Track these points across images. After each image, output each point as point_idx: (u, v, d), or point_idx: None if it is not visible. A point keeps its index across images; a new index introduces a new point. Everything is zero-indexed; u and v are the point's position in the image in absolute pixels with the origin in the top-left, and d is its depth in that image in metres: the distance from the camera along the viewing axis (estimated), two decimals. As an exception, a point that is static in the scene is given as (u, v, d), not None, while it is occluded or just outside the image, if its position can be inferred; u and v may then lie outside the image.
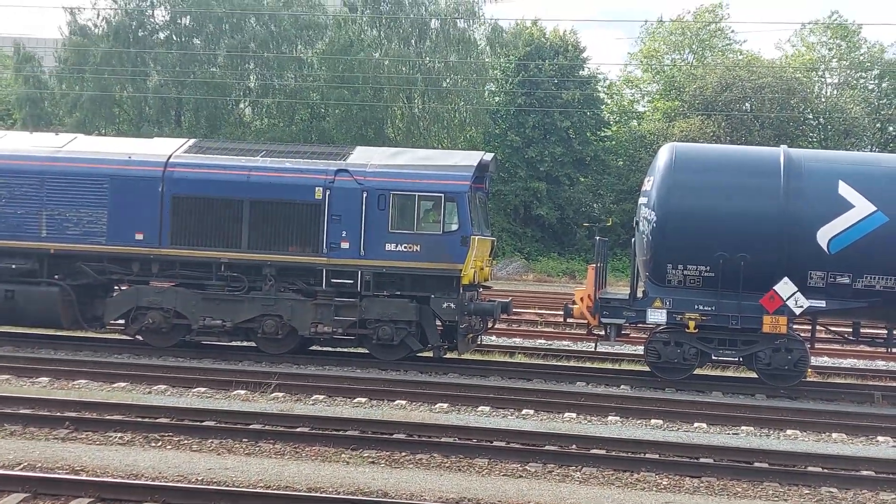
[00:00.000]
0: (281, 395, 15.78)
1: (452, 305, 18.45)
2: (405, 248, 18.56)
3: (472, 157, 19.69)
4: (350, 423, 13.49)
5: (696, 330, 18.02)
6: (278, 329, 18.94)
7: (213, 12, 48.09)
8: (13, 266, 19.28)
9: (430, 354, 19.49)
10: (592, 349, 20.98)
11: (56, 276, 19.49)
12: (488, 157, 19.73)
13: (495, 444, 12.76)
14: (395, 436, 12.93)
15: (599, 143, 53.45)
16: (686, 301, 18.00)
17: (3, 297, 19.19)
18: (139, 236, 19.09)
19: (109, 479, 10.47)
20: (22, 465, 10.91)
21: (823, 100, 53.32)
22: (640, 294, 18.55)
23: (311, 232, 18.79)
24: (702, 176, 18.26)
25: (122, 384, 16.26)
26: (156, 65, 48.61)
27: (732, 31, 59.17)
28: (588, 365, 20.38)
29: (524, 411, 15.34)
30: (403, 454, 12.17)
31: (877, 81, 55.05)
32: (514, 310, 22.81)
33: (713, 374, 19.98)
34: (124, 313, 19.43)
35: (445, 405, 15.50)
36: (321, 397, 15.80)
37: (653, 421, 15.04)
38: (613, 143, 54.32)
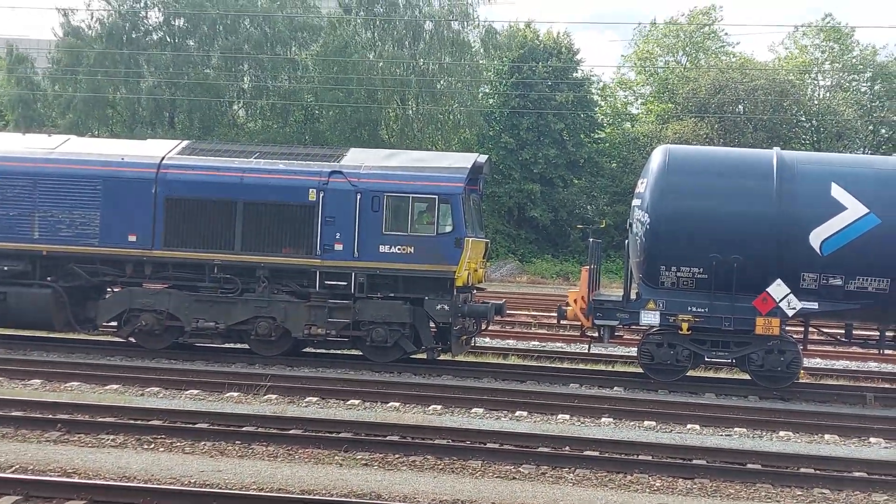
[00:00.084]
0: (274, 397, 15.76)
1: (446, 307, 18.45)
2: (399, 249, 18.55)
3: (465, 159, 19.70)
4: (343, 425, 13.48)
5: (689, 331, 18.04)
6: (271, 331, 18.92)
7: (207, 13, 48.06)
8: (5, 268, 19.23)
9: (423, 356, 19.49)
10: (586, 351, 21.02)
11: (48, 278, 19.47)
12: (482, 158, 19.74)
13: (489, 445, 12.75)
14: (388, 438, 12.92)
15: (593, 145, 53.53)
16: (679, 303, 18.02)
17: (-4, 299, 19.17)
18: (132, 238, 19.06)
19: (102, 482, 10.46)
20: (14, 468, 10.88)
21: (816, 102, 53.42)
22: (633, 296, 18.57)
23: (304, 233, 18.77)
24: (695, 178, 18.29)
25: (115, 386, 16.24)
26: (149, 66, 48.56)
27: (726, 34, 59.34)
28: (581, 367, 20.39)
29: (518, 413, 15.34)
30: (397, 456, 12.17)
31: (869, 84, 55.16)
32: (508, 311, 22.79)
33: (706, 375, 20.00)
34: (117, 315, 19.40)
35: (439, 407, 15.50)
36: (314, 399, 15.78)
37: (646, 422, 15.05)
38: (607, 145, 54.39)
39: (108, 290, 19.93)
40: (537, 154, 50.45)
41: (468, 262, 18.68)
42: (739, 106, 50.17)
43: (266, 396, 15.72)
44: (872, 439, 14.64)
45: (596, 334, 18.86)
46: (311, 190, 18.75)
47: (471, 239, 18.77)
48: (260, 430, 13.06)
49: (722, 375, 20.21)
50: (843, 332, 19.25)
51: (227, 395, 15.84)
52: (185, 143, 20.54)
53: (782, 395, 17.87)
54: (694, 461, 12.47)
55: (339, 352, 19.79)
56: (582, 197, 51.67)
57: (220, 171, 19.06)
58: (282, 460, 11.91)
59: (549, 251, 50.83)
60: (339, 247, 18.64)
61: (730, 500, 11.23)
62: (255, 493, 10.34)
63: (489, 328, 21.46)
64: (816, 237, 17.60)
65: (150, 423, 13.21)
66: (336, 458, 12.02)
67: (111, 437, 12.54)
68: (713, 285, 17.81)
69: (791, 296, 17.62)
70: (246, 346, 19.54)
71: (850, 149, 50.54)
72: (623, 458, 12.41)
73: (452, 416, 14.98)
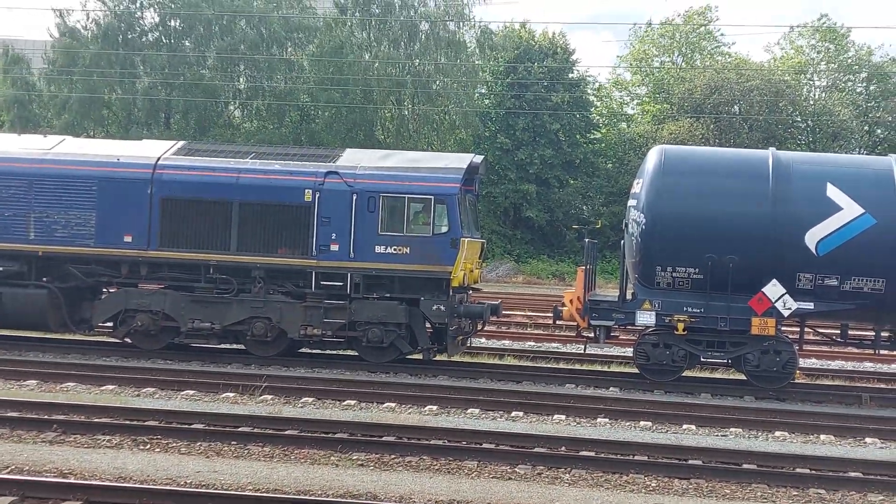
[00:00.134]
0: (270, 397, 15.75)
1: (442, 308, 18.45)
2: (395, 250, 18.55)
3: (461, 160, 19.70)
4: (339, 425, 13.48)
5: (685, 332, 18.06)
6: (267, 331, 18.92)
7: (203, 14, 48.02)
8: (1, 268, 19.20)
9: (419, 357, 19.49)
10: (582, 351, 21.01)
11: (44, 279, 19.45)
12: (478, 159, 19.74)
13: (485, 446, 12.76)
14: (384, 438, 12.93)
15: (589, 145, 53.56)
16: (675, 303, 18.03)
17: (-9, 300, 19.15)
18: (128, 238, 19.04)
19: (98, 482, 10.45)
20: (10, 468, 10.87)
21: (812, 102, 53.50)
22: (629, 296, 18.58)
23: (300, 234, 18.76)
24: (691, 178, 18.31)
25: (111, 387, 16.23)
26: (145, 67, 48.52)
27: (721, 34, 59.41)
28: (577, 367, 20.40)
29: (514, 413, 15.35)
30: (393, 456, 12.17)
31: (865, 84, 55.24)
32: (504, 312, 22.83)
33: (702, 375, 20.02)
34: (113, 316, 19.38)
35: (435, 407, 15.50)
36: (310, 400, 15.78)
37: (642, 423, 15.06)
38: (603, 145, 54.43)
39: (104, 290, 19.91)
40: (533, 154, 50.48)
41: (464, 262, 18.67)
42: (735, 106, 50.24)
43: (262, 397, 15.71)
44: (868, 439, 14.66)
45: (592, 335, 18.88)
46: (306, 190, 18.75)
47: (467, 239, 18.76)
48: (256, 430, 13.05)
49: (718, 376, 20.22)
50: (839, 332, 19.28)
51: (223, 395, 15.83)
52: (181, 143, 20.52)
53: (778, 396, 17.89)
54: (690, 461, 12.48)
55: (335, 352, 19.78)
56: (578, 197, 51.71)
57: (215, 172, 19.05)
58: (278, 461, 11.90)
59: (545, 251, 50.86)
60: (334, 247, 18.63)
61: (725, 501, 11.24)
62: (251, 493, 10.33)
63: (485, 328, 21.47)
64: (812, 237, 17.63)
65: (145, 423, 13.20)
66: (332, 458, 12.02)
67: (107, 437, 12.54)
68: (709, 285, 17.83)
69: (787, 296, 17.65)
70: (242, 347, 19.53)
71: (845, 149, 50.58)
72: (619, 459, 12.42)
73: (448, 417, 14.98)
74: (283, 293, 18.94)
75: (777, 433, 14.81)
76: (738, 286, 17.66)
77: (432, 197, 18.54)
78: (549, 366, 20.28)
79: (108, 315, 19.42)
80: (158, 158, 19.31)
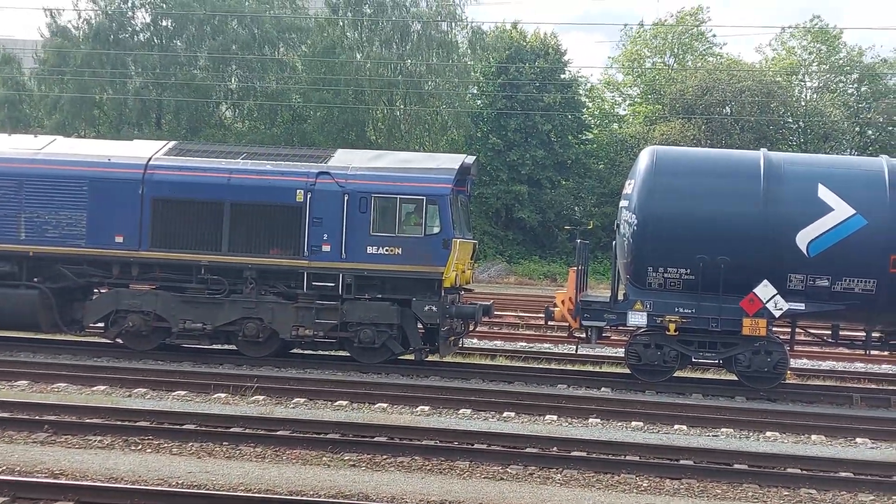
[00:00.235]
0: (261, 398, 15.74)
1: (434, 308, 18.45)
2: (386, 250, 18.54)
3: (453, 160, 19.70)
4: (331, 426, 13.47)
5: (677, 332, 18.08)
6: (259, 332, 18.90)
7: (195, 14, 47.96)
8: (-9, 269, 19.18)
9: (411, 357, 19.48)
10: (573, 352, 21.03)
11: (35, 279, 19.40)
12: (470, 159, 19.74)
13: (476, 446, 12.76)
14: (376, 439, 12.92)
15: (581, 146, 53.59)
16: (666, 304, 18.06)
17: (-18, 300, 19.09)
18: (119, 239, 19.01)
19: (89, 483, 10.44)
20: (1, 469, 10.85)
21: (803, 103, 53.60)
22: (620, 297, 18.61)
23: (292, 234, 18.75)
24: (682, 179, 18.34)
25: (102, 387, 16.19)
26: (136, 67, 48.47)
27: (713, 35, 59.48)
28: (569, 367, 20.42)
29: (505, 414, 15.36)
30: (385, 457, 12.17)
31: (856, 85, 55.35)
32: (496, 312, 22.81)
33: (693, 376, 20.05)
34: (104, 316, 19.34)
35: (427, 408, 15.50)
36: (302, 400, 15.76)
37: (633, 423, 15.08)
38: (594, 146, 54.47)
39: (95, 291, 19.86)
40: (525, 155, 50.48)
41: (456, 263, 18.68)
42: (726, 107, 50.32)
43: (254, 397, 15.70)
44: (859, 439, 14.70)
45: (583, 335, 18.90)
46: (298, 191, 18.73)
47: (458, 240, 18.77)
48: (247, 431, 13.04)
49: (709, 376, 20.26)
50: (830, 332, 19.32)
51: (215, 396, 15.81)
52: (172, 143, 20.49)
53: (769, 396, 17.92)
54: (681, 462, 12.50)
55: (326, 353, 19.75)
56: (569, 198, 51.73)
57: (207, 172, 19.02)
58: (269, 461, 11.89)
59: (537, 252, 50.88)
60: (326, 248, 18.62)
61: (717, 501, 11.26)
62: (242, 493, 10.33)
63: (477, 329, 21.47)
64: (803, 238, 17.67)
65: (137, 424, 13.18)
66: (323, 459, 12.01)
67: (98, 438, 12.51)
68: (700, 286, 17.86)
69: (778, 296, 17.68)
70: (233, 348, 19.50)
71: (836, 150, 50.70)
72: (610, 459, 12.43)
73: (440, 417, 14.98)
74: (274, 294, 18.92)
75: (768, 433, 14.84)
76: (729, 287, 17.69)
77: (424, 198, 18.54)
78: (540, 366, 20.29)
79: (100, 315, 19.38)
80: (150, 159, 19.28)
